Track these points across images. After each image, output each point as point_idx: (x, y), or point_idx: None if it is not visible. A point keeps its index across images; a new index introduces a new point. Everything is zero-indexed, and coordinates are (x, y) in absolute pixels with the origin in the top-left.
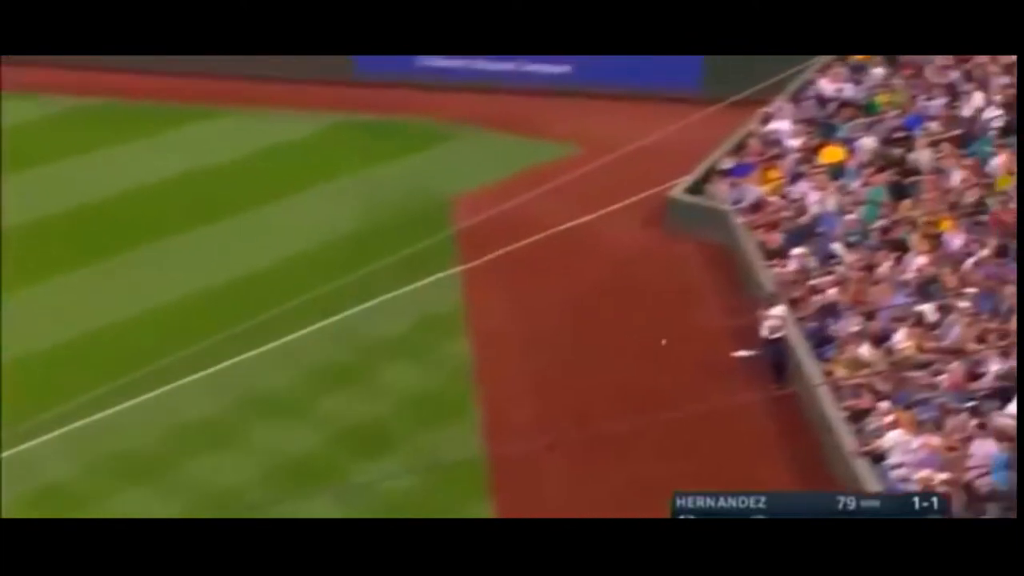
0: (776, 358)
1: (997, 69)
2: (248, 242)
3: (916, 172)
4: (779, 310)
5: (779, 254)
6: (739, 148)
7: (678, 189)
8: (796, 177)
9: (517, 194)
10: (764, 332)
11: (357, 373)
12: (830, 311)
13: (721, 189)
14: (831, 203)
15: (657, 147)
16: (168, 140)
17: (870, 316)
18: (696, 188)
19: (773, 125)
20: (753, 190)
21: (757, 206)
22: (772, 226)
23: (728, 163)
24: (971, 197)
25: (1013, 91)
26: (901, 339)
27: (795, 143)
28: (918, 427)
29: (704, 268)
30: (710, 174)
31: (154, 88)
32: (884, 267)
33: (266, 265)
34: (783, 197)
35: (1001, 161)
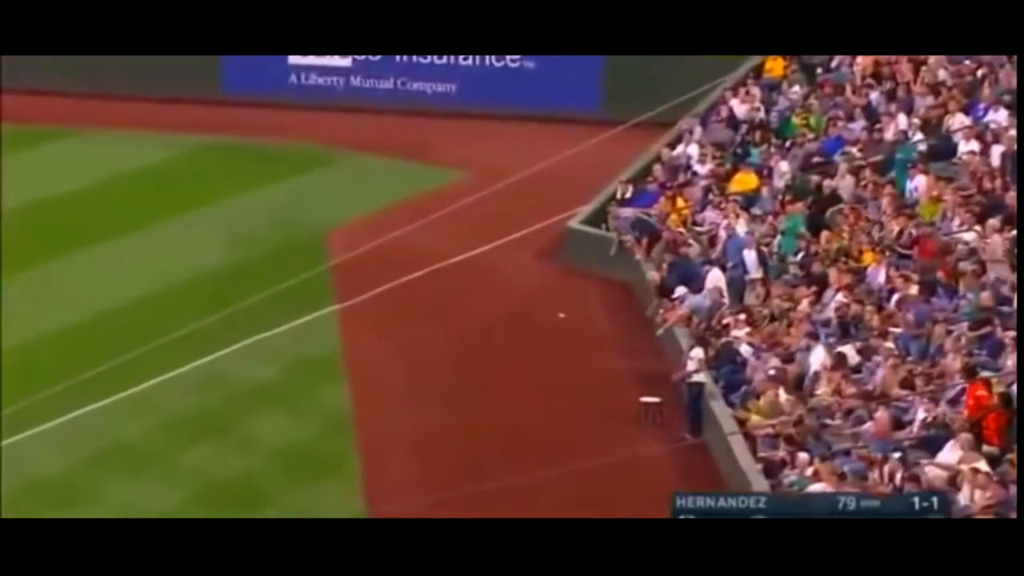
0: (690, 404)
1: (922, 89)
2: (103, 277)
3: (835, 200)
4: (697, 352)
5: (669, 292)
6: (643, 174)
7: (576, 219)
8: (705, 206)
9: (399, 225)
10: (682, 376)
11: (223, 423)
12: (741, 352)
13: (622, 219)
14: (743, 234)
15: (553, 173)
16: (12, 164)
17: (787, 359)
18: (596, 218)
19: (680, 149)
20: (655, 221)
21: (660, 236)
22: (675, 258)
23: (631, 191)
24: (895, 228)
25: (937, 112)
26: (816, 365)
27: (704, 169)
28: (839, 479)
29: (605, 305)
30: (611, 203)
31: None
32: (803, 304)
33: (123, 303)
34: (691, 227)
35: (924, 188)
